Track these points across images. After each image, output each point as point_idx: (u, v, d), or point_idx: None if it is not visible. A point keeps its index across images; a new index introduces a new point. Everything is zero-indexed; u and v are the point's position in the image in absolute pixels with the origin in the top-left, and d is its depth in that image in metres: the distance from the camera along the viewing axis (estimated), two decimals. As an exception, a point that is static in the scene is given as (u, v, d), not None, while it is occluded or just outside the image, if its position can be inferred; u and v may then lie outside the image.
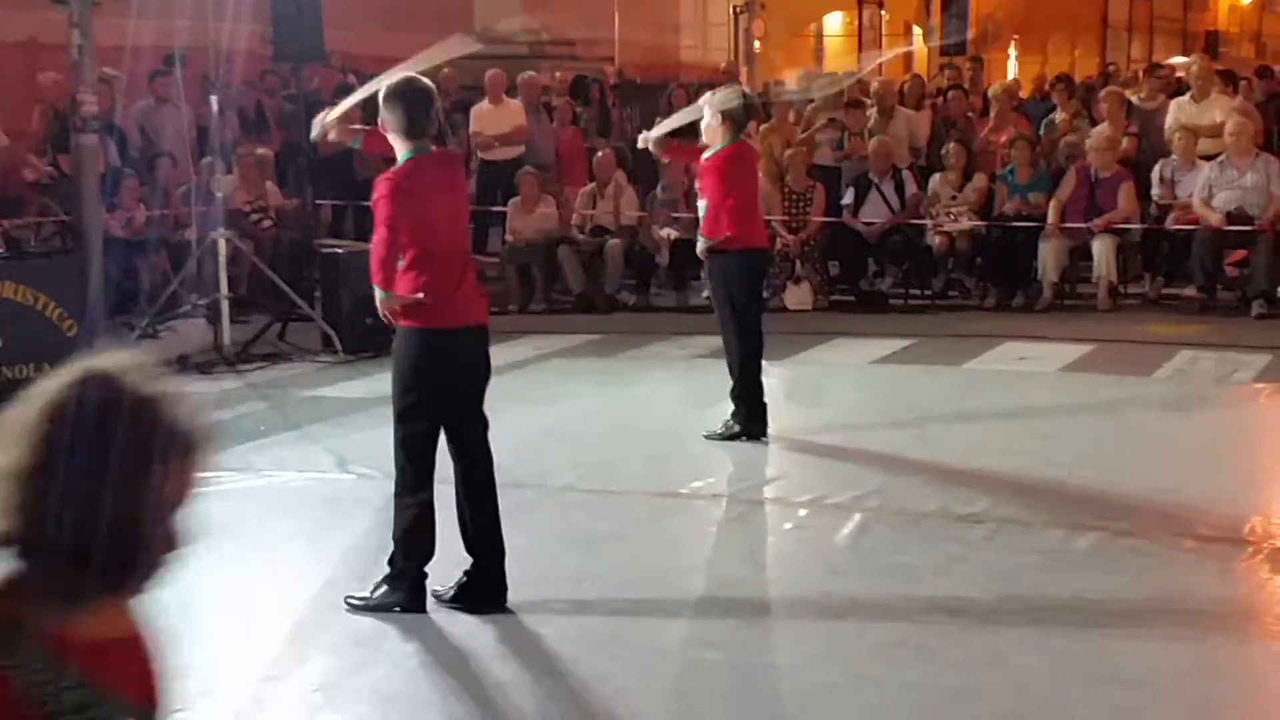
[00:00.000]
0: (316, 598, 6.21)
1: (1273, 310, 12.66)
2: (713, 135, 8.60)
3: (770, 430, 8.74)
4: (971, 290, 14.03)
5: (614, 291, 14.05)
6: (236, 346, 11.40)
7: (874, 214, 13.98)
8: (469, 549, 6.05)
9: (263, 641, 5.67)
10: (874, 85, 16.15)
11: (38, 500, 2.01)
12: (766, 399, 8.75)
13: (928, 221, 13.90)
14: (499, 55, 19.78)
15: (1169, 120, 14.28)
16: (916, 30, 33.75)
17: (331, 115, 6.49)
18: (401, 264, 5.87)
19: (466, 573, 6.03)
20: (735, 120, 8.58)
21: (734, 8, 26.28)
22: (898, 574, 6.45)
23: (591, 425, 9.29)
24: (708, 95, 8.88)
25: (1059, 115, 15.31)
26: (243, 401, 9.95)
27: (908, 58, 33.08)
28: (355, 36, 18.21)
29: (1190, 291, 13.43)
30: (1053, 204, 13.42)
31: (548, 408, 9.69)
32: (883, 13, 34.03)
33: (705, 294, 10.14)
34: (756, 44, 22.19)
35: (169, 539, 2.09)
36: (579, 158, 15.66)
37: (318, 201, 14.22)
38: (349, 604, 6.02)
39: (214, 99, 11.59)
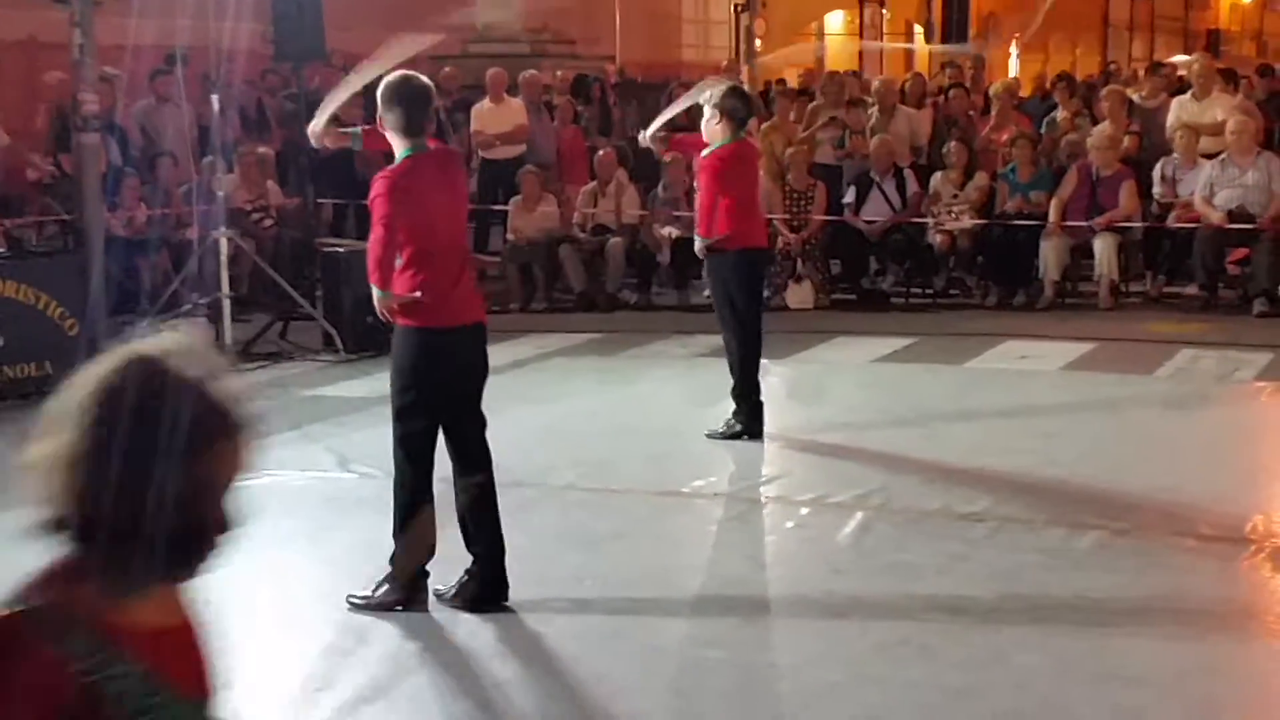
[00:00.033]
0: (317, 597, 6.21)
1: (1274, 309, 12.65)
2: (712, 133, 8.60)
3: (771, 429, 8.73)
4: (973, 289, 14.02)
5: (615, 290, 14.05)
6: (238, 345, 11.39)
7: (875, 212, 13.97)
8: (469, 547, 6.04)
9: (264, 640, 5.67)
10: (875, 84, 16.15)
11: (91, 485, 2.00)
12: (764, 398, 8.75)
13: (929, 220, 13.89)
14: (500, 54, 19.79)
15: (1170, 119, 14.28)
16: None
17: (318, 123, 6.52)
18: (399, 263, 5.87)
19: (468, 571, 6.03)
20: (734, 118, 8.57)
21: (735, 6, 26.24)
22: (899, 573, 6.45)
23: (593, 424, 9.29)
24: (701, 84, 8.84)
25: (1060, 114, 15.31)
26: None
27: (908, 55, 33.10)
28: (356, 36, 18.20)
29: (1191, 290, 13.42)
30: (1054, 202, 13.41)
31: (549, 406, 9.69)
32: (884, 11, 34.02)
33: (706, 293, 10.13)
34: (758, 42, 22.15)
35: (221, 521, 2.08)
36: (580, 156, 15.67)
37: (319, 200, 14.21)
38: (350, 603, 6.02)
39: (215, 98, 11.59)
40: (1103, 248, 13.24)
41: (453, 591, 6.03)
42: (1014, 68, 33.92)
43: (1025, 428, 9.09)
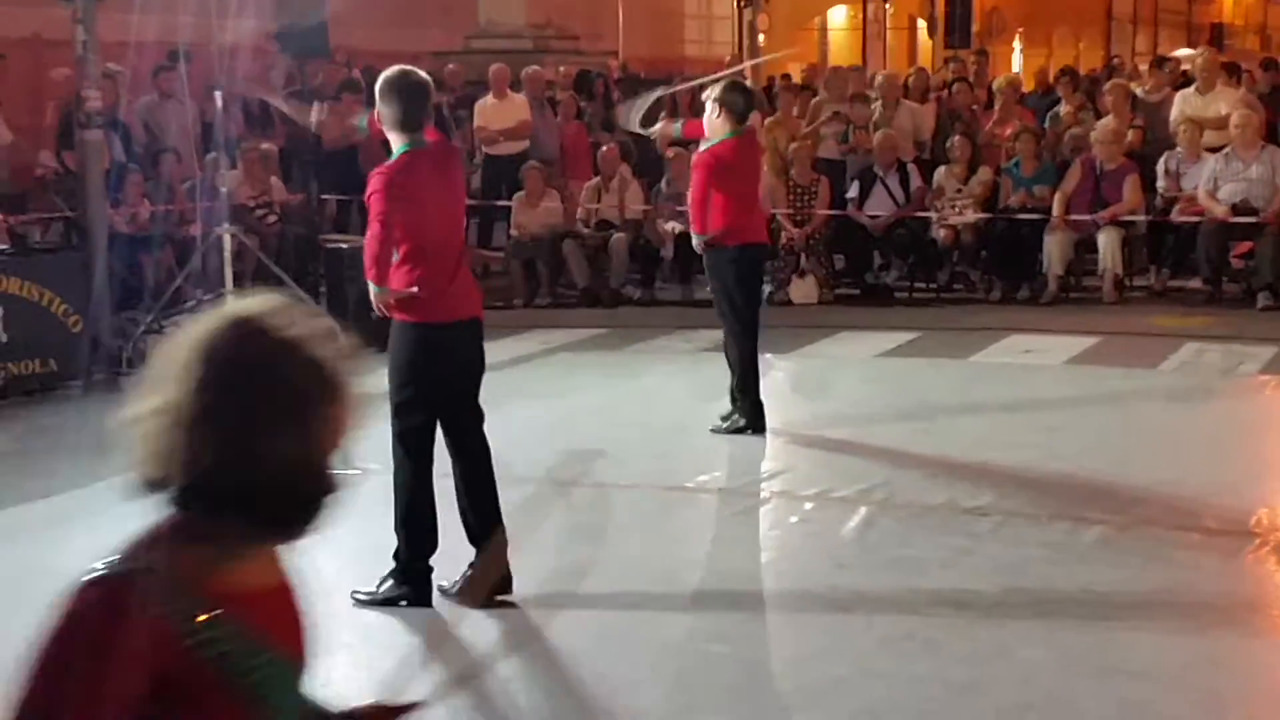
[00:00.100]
0: (321, 592, 6.20)
1: (1278, 302, 12.63)
2: (713, 126, 8.56)
3: (775, 424, 8.73)
4: (977, 283, 14.01)
5: (619, 285, 14.04)
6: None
7: (879, 207, 13.97)
8: (472, 541, 6.05)
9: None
10: (879, 78, 16.15)
11: (198, 447, 1.98)
12: (767, 393, 8.74)
13: (933, 214, 13.88)
14: (503, 50, 19.78)
15: (1174, 113, 14.27)
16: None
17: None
18: (396, 258, 5.86)
19: (471, 565, 6.03)
20: (734, 112, 8.52)
21: (738, 1, 26.23)
22: (904, 567, 6.45)
23: (597, 419, 9.28)
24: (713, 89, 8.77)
25: (1064, 108, 15.28)
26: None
27: (912, 49, 33.07)
28: (360, 32, 18.22)
29: (1196, 284, 13.41)
30: (1058, 197, 13.40)
31: (553, 402, 9.69)
32: (887, 6, 33.98)
33: (709, 287, 10.12)
34: (761, 37, 22.16)
35: (326, 483, 2.07)
36: (583, 152, 15.65)
37: (322, 196, 14.22)
38: (355, 598, 6.03)
39: (218, 94, 11.58)
40: (1106, 242, 13.23)
41: (457, 586, 6.04)
42: (1017, 62, 33.91)
43: (1029, 422, 9.08)
